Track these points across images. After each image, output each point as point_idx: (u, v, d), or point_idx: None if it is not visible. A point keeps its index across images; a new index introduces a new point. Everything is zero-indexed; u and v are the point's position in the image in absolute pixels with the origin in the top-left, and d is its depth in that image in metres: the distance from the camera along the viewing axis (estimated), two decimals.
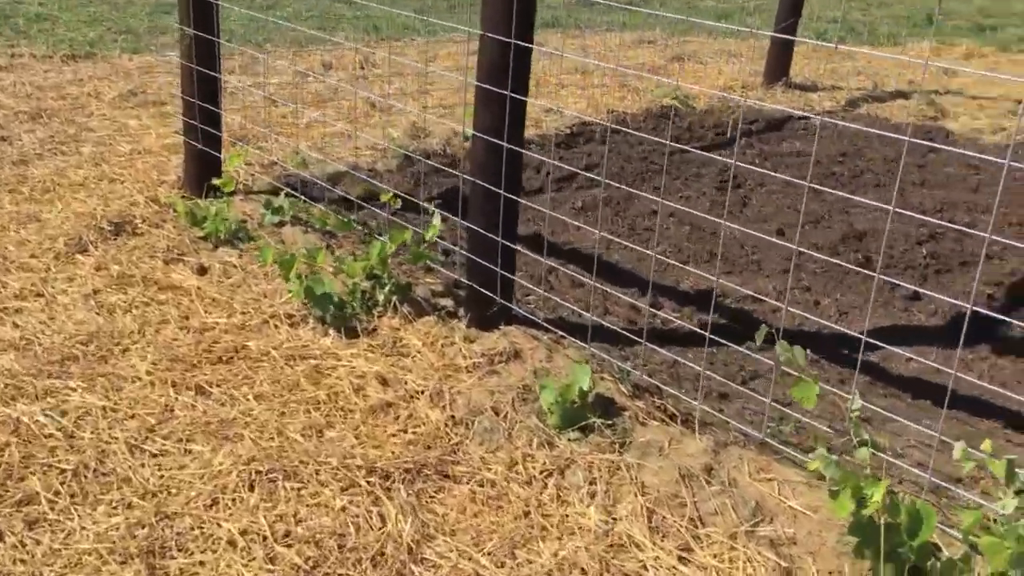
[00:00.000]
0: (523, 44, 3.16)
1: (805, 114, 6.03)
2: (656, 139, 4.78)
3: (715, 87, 8.14)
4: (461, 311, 3.64)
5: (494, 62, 3.19)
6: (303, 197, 4.63)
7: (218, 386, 3.13)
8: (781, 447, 2.79)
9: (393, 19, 10.58)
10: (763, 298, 3.68)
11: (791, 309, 3.91)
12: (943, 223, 2.75)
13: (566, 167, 5.16)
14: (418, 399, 3.06)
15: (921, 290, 3.01)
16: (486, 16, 3.19)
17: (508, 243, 3.41)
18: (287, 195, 4.61)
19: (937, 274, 4.42)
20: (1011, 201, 5.46)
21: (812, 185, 2.53)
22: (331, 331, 3.48)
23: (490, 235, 3.39)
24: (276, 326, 3.52)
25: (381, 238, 3.81)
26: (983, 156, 2.54)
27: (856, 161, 6.14)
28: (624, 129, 6.65)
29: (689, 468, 2.67)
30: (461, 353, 3.30)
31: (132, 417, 2.93)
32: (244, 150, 5.14)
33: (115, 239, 4.27)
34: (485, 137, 3.29)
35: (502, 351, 3.29)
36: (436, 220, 3.67)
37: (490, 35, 3.17)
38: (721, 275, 4.23)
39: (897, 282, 3.41)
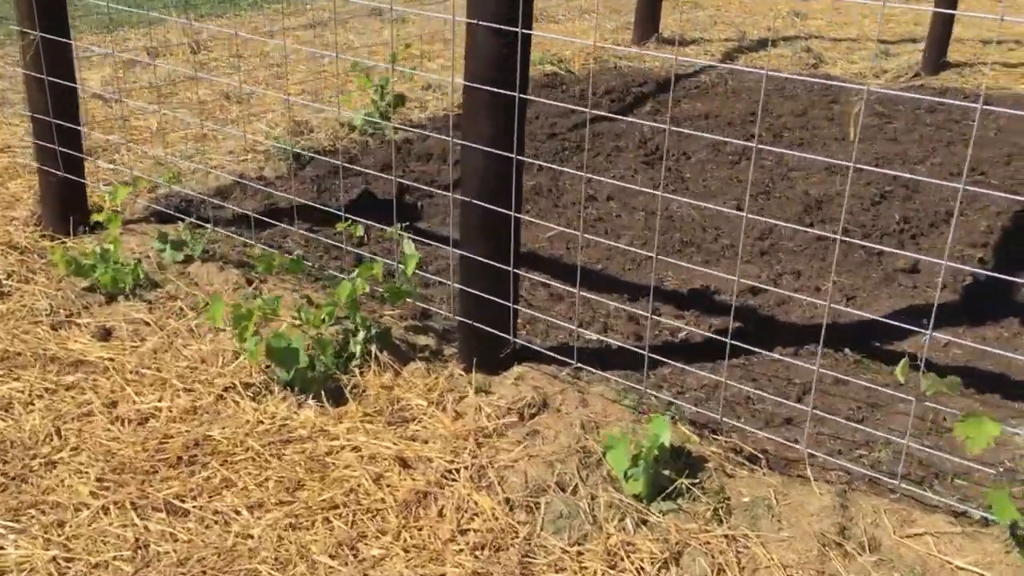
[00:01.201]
0: (528, 32, 2.59)
1: (762, 71, 5.68)
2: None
3: (585, 48, 7.72)
4: (449, 351, 3.07)
5: (492, 57, 2.61)
6: (205, 223, 3.89)
7: (193, 500, 2.44)
8: (925, 492, 2.40)
9: None
10: (765, 287, 3.30)
11: (799, 296, 3.54)
12: (918, 177, 2.42)
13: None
14: (455, 481, 2.49)
15: (919, 256, 2.68)
16: (475, 1, 2.60)
17: (517, 270, 2.86)
18: (189, 223, 3.84)
19: (914, 239, 4.18)
20: (936, 148, 5.34)
21: (768, 148, 2.14)
22: (308, 400, 2.84)
23: (496, 263, 2.83)
24: (236, 402, 2.84)
25: (342, 276, 3.17)
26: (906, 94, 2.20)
27: (769, 120, 5.88)
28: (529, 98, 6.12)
29: (823, 533, 2.24)
30: (481, 411, 2.74)
31: (96, 568, 2.22)
32: (136, 179, 4.27)
33: None
34: (486, 149, 2.71)
35: (530, 402, 2.75)
36: (409, 247, 3.06)
37: (485, 24, 2.58)
38: (698, 265, 3.82)
39: (870, 247, 3.08)
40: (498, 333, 2.91)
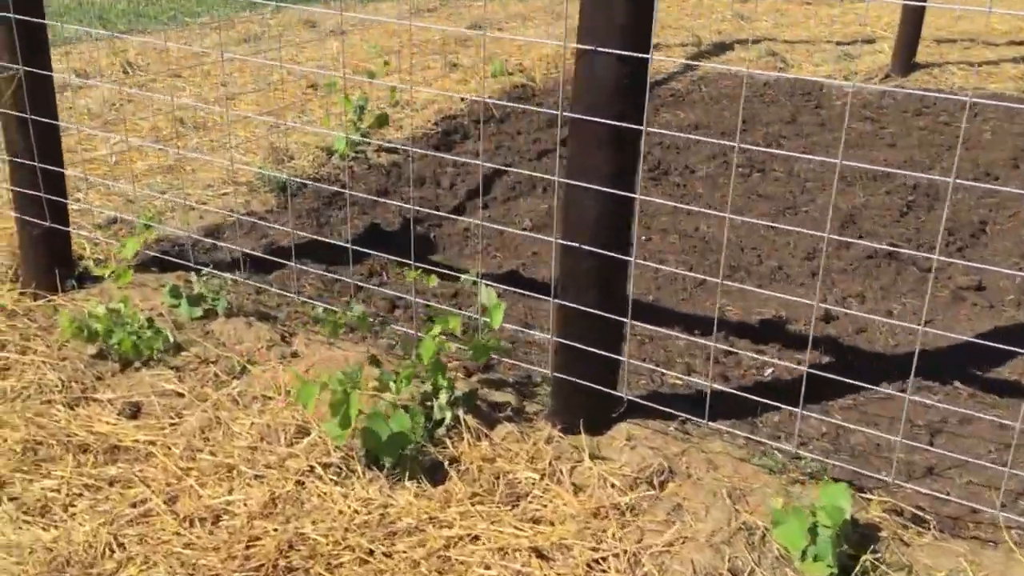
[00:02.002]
0: (645, 57, 2.31)
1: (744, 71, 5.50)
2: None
3: (542, 56, 7.46)
4: (531, 408, 2.77)
5: (614, 87, 2.32)
6: (206, 270, 3.48)
7: None
8: None
9: (123, 7, 8.98)
10: (835, 313, 3.09)
11: (878, 319, 3.35)
12: (979, 184, 2.25)
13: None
14: (604, 573, 2.19)
15: (983, 267, 2.51)
16: (590, 25, 2.30)
17: (623, 319, 2.58)
18: (203, 274, 3.44)
19: (960, 251, 4.05)
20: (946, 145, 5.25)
21: (807, 156, 1.93)
22: (403, 479, 2.49)
23: (605, 313, 2.54)
24: (320, 488, 2.48)
25: (399, 327, 2.83)
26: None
27: (760, 128, 5.72)
28: (517, 104, 5.83)
29: None
30: (606, 482, 2.45)
31: None
32: (144, 229, 3.81)
33: None
34: (602, 190, 2.41)
35: (657, 468, 2.47)
36: (490, 296, 2.74)
37: (600, 49, 2.29)
38: (750, 288, 3.60)
39: (920, 262, 2.92)
40: (605, 390, 2.62)
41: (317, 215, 4.39)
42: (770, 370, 3.14)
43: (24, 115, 3.31)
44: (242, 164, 4.82)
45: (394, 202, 3.90)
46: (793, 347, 3.27)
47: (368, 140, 5.22)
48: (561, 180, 2.50)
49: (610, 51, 2.28)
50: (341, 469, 2.54)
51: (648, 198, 2.82)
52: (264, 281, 3.64)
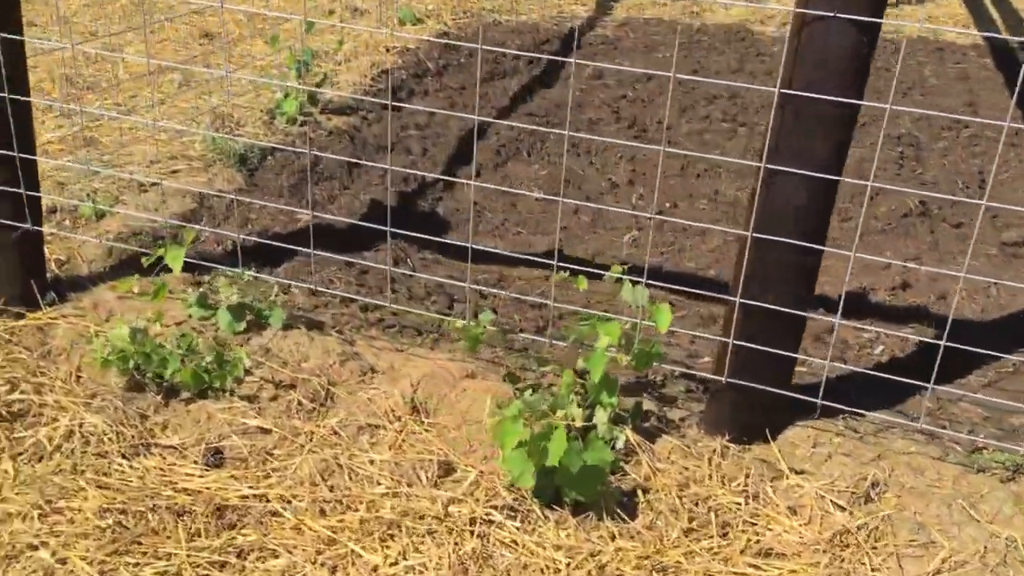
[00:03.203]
0: (878, 21, 2.05)
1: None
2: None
3: (444, 1, 7.01)
4: (675, 415, 2.51)
5: (846, 58, 2.04)
6: (226, 268, 2.98)
7: None
8: None
9: None
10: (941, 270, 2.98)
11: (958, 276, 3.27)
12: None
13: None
14: None
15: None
16: None
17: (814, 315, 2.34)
18: (218, 273, 2.93)
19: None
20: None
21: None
22: (597, 518, 2.18)
23: (795, 311, 2.30)
24: (505, 538, 2.12)
25: (534, 338, 2.48)
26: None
27: (711, 78, 5.56)
28: (450, 54, 5.40)
29: None
30: (823, 500, 2.23)
31: None
32: (189, 231, 3.18)
33: (10, 439, 2.37)
34: (816, 176, 2.15)
35: (873, 480, 2.27)
36: (643, 296, 2.43)
37: (840, 15, 2.00)
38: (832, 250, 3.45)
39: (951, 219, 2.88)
40: (790, 394, 2.39)
41: (297, 192, 3.88)
42: (880, 347, 3.00)
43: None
44: (169, 130, 4.20)
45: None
46: (890, 319, 3.14)
47: (315, 101, 4.68)
48: (750, 164, 2.22)
49: (851, 16, 2.00)
50: (516, 511, 2.20)
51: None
52: (275, 275, 3.15)
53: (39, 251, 2.98)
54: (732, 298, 2.32)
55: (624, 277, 2.44)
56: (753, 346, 2.33)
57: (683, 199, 4.04)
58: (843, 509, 2.20)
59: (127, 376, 2.61)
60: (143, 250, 3.13)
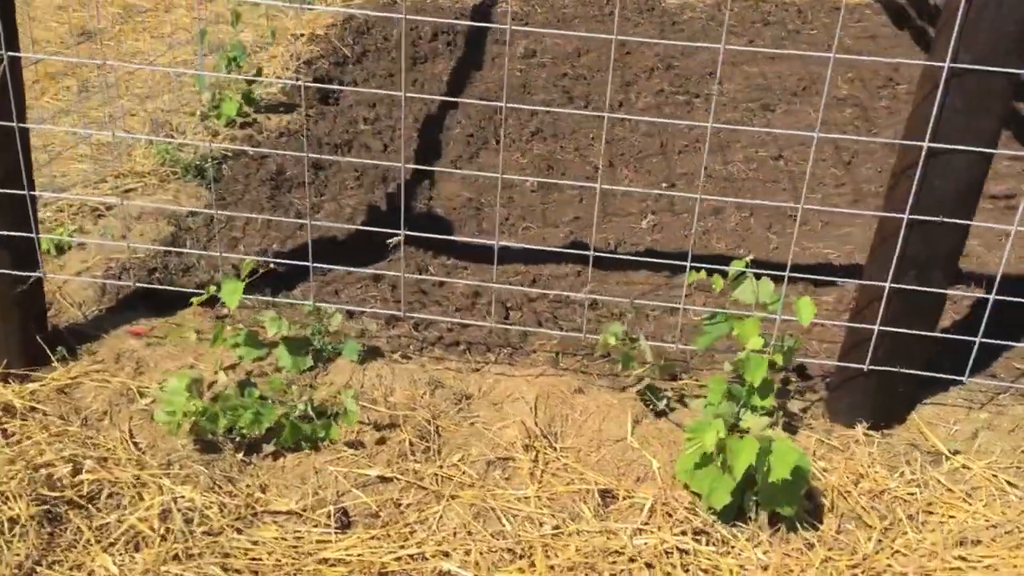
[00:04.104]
0: None
1: None
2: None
3: None
4: (805, 410, 2.45)
5: (1011, 26, 2.00)
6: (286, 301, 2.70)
7: None
8: None
9: None
10: None
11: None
12: None
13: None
14: None
15: None
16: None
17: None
18: (262, 304, 2.65)
19: None
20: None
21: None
22: (790, 529, 2.08)
23: (937, 290, 2.26)
24: (705, 563, 1.99)
25: (659, 344, 2.35)
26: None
27: (640, 48, 5.51)
28: (373, 41, 5.11)
29: None
30: (1000, 482, 2.21)
31: None
32: (248, 262, 2.80)
33: (92, 528, 2.04)
34: (981, 151, 2.10)
35: None
36: (765, 291, 2.33)
37: None
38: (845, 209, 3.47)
39: None
40: (940, 376, 2.36)
41: (276, 203, 3.56)
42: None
43: (8, 123, 2.28)
44: (102, 142, 3.78)
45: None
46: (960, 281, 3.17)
47: (252, 100, 4.32)
48: (902, 143, 2.15)
49: None
50: (703, 533, 2.07)
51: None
52: (290, 297, 2.87)
53: (41, 301, 2.60)
54: (880, 284, 2.25)
55: (748, 271, 2.33)
56: (902, 330, 2.27)
57: (678, 178, 3.97)
58: (1014, 486, 2.19)
59: (194, 436, 2.31)
60: (174, 288, 2.79)
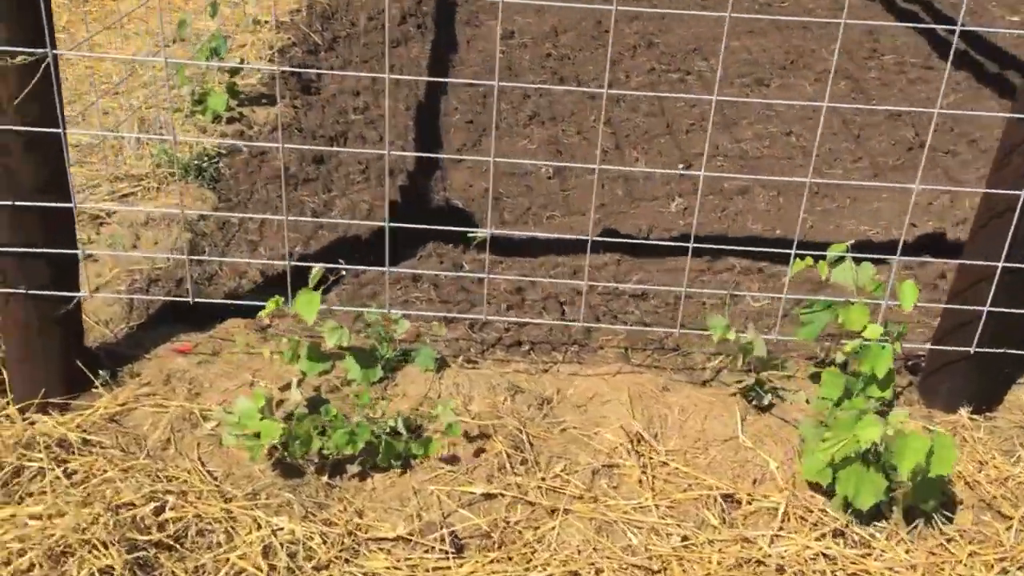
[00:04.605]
0: None
1: None
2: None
3: None
4: (897, 394, 2.40)
5: None
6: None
7: None
8: None
9: None
10: None
11: None
12: None
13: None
14: None
15: None
16: None
17: None
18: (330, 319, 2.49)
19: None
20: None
21: None
22: (927, 524, 2.03)
23: None
24: (852, 567, 1.92)
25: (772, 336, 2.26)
26: None
27: (606, 22, 5.42)
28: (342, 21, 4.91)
29: None
30: None
31: None
32: (318, 270, 2.61)
33: (188, 571, 1.88)
34: None
35: None
36: (865, 276, 2.26)
37: None
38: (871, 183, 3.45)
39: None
40: None
41: (291, 201, 3.38)
42: None
43: (43, 128, 2.07)
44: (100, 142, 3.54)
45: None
46: None
47: (235, 91, 4.10)
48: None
49: None
50: (842, 534, 2.00)
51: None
52: (325, 302, 2.71)
53: (79, 322, 2.39)
54: (993, 263, 2.19)
55: (847, 255, 2.25)
56: (1012, 311, 2.23)
57: (692, 159, 3.89)
58: None
59: (271, 460, 2.15)
60: (228, 301, 2.59)
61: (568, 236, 3.11)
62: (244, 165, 3.58)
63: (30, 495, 2.03)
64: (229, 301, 2.64)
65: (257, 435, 2.09)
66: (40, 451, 2.10)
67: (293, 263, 2.84)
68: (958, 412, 2.33)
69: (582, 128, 4.15)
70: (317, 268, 2.25)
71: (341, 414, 2.20)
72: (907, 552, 1.96)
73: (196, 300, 2.40)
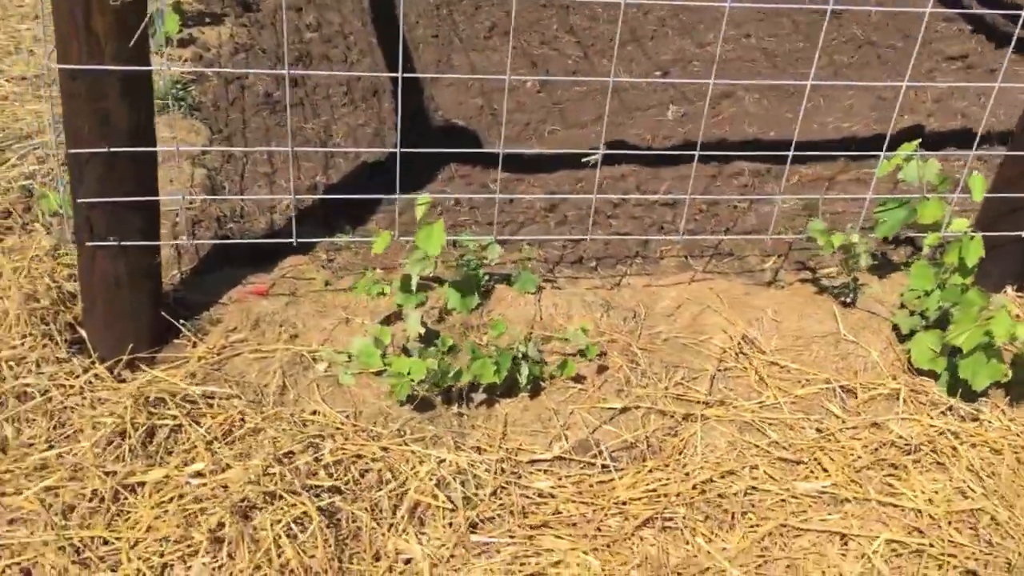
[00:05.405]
0: None
1: None
2: None
3: None
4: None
5: None
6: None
7: None
8: None
9: None
10: None
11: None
12: None
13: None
14: None
15: None
16: None
17: None
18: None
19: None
20: None
21: None
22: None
23: None
24: (975, 439, 2.14)
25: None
26: None
27: None
28: None
29: None
30: None
31: None
32: (423, 199, 2.50)
33: (373, 509, 1.91)
34: None
35: None
36: (931, 171, 2.44)
37: None
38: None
39: None
40: None
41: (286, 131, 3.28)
42: None
43: (136, 67, 1.97)
44: None
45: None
46: None
47: (183, 10, 3.89)
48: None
49: None
50: (956, 414, 2.21)
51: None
52: (359, 233, 2.72)
53: (160, 273, 2.30)
54: None
55: (915, 153, 2.42)
56: None
57: (666, 65, 3.98)
58: None
59: (396, 397, 2.17)
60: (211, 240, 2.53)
61: (599, 150, 3.16)
62: (223, 92, 3.44)
63: (169, 453, 1.99)
64: (327, 239, 2.58)
65: (400, 373, 2.10)
66: (171, 407, 2.04)
67: (365, 196, 2.78)
68: (1005, 292, 2.57)
69: (546, 39, 4.16)
70: (423, 198, 2.24)
71: (452, 345, 2.24)
72: (1011, 421, 2.19)
73: (299, 240, 2.34)
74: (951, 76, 3.98)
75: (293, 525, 1.82)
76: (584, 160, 2.53)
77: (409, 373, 2.07)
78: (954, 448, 2.11)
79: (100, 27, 1.89)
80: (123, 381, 2.19)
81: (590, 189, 3.14)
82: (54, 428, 2.04)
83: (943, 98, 3.78)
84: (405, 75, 2.34)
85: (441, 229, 2.18)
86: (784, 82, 2.15)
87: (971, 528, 1.98)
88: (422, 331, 2.22)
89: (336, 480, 1.95)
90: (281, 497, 1.85)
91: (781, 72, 3.99)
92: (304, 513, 1.83)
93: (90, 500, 1.87)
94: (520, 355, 2.18)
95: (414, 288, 2.29)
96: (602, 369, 2.27)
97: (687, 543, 1.89)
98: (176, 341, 2.31)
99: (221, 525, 1.80)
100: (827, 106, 3.75)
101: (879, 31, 4.33)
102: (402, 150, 2.21)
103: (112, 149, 2.00)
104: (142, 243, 2.13)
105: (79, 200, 2.04)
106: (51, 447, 1.99)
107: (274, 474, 1.90)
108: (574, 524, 1.93)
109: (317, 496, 1.89)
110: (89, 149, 1.98)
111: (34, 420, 2.05)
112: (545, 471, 2.05)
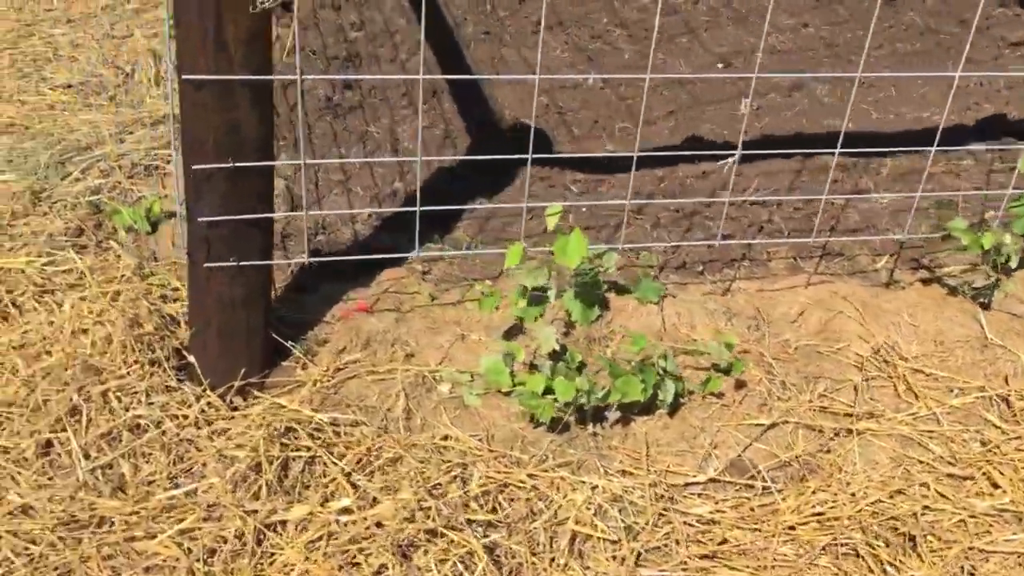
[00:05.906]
0: None
1: None
2: None
3: None
4: None
5: None
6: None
7: None
8: None
9: None
10: None
11: None
12: None
13: None
14: None
15: None
16: None
17: None
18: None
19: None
20: None
21: None
22: None
23: None
24: None
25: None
26: None
27: None
28: None
29: None
30: None
31: None
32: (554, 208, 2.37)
33: (531, 543, 1.80)
34: None
35: None
36: None
37: None
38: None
39: None
40: None
41: (359, 136, 3.16)
42: None
43: (266, 76, 1.85)
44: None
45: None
46: None
47: None
48: None
49: None
50: None
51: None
52: (448, 241, 2.60)
53: (270, 293, 2.18)
54: None
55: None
56: None
57: (727, 57, 3.88)
58: None
59: (525, 416, 2.06)
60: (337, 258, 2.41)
61: (705, 152, 3.06)
62: (280, 97, 3.31)
63: (307, 487, 1.87)
64: (458, 252, 2.47)
65: (535, 392, 1.99)
66: (303, 438, 1.92)
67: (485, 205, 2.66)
68: None
69: (596, 32, 4.05)
70: (554, 206, 2.12)
71: (581, 362, 2.13)
72: None
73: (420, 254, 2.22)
74: (1017, 63, 3.91)
75: (459, 564, 1.71)
76: (721, 163, 2.41)
77: (550, 393, 1.96)
78: None
79: (231, 34, 1.76)
80: (236, 409, 2.07)
81: (673, 189, 3.04)
82: (174, 463, 1.92)
83: (1016, 85, 3.71)
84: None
85: (580, 239, 2.07)
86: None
87: None
88: (557, 347, 2.10)
89: (488, 512, 1.84)
90: (442, 535, 1.74)
91: (845, 62, 3.90)
92: (468, 552, 1.72)
93: (231, 543, 1.75)
94: (661, 371, 2.08)
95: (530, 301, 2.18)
96: (740, 383, 2.17)
97: (870, 571, 1.79)
98: (284, 364, 2.19)
99: (384, 568, 1.68)
100: (899, 96, 3.67)
101: (934, 17, 4.26)
102: (534, 156, 2.09)
103: (237, 164, 1.87)
104: (262, 263, 2.01)
105: (199, 219, 1.91)
106: (176, 485, 1.87)
107: (428, 508, 1.78)
108: (744, 552, 1.83)
109: (474, 531, 1.78)
110: (212, 165, 1.85)
111: (151, 455, 1.93)
112: (699, 495, 1.95)
